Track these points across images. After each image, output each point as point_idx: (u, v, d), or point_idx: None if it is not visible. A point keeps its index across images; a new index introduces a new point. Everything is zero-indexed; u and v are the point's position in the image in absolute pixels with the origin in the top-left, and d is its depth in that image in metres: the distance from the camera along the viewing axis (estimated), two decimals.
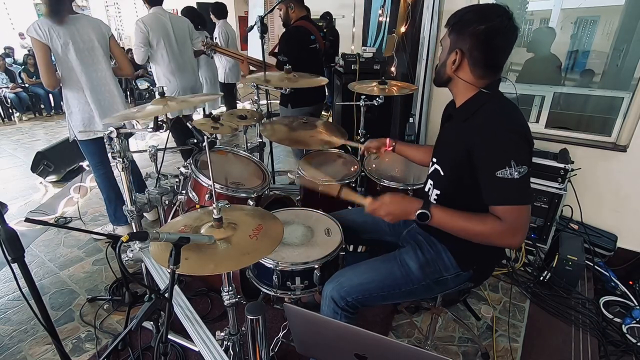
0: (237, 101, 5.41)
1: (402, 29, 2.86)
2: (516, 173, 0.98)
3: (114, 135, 1.39)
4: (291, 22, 2.74)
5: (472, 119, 1.10)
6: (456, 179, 1.15)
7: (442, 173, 1.20)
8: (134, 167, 2.58)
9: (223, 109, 5.15)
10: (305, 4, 2.87)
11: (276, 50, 2.80)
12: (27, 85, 6.53)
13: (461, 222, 1.07)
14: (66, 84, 2.18)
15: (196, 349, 1.29)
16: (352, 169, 2.02)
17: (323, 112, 5.05)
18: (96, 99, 2.24)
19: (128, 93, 7.49)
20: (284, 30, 2.80)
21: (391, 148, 1.62)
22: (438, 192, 1.23)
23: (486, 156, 1.03)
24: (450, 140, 1.19)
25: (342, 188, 1.33)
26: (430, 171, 1.30)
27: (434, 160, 1.27)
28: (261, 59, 2.63)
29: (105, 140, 1.42)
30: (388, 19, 3.64)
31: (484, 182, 1.05)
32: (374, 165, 2.04)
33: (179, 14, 3.85)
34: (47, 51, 2.05)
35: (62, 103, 2.30)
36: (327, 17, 5.63)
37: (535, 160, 2.21)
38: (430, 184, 1.28)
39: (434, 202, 1.23)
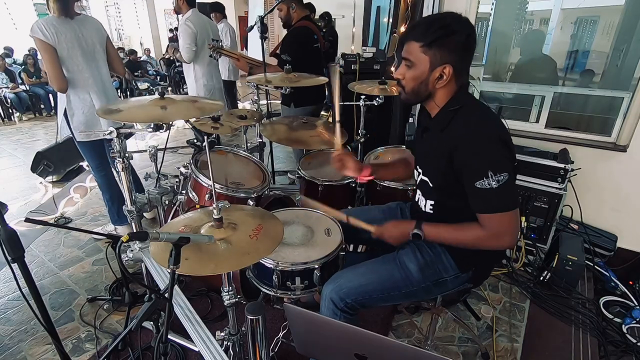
0: (237, 100, 5.40)
1: (402, 29, 2.86)
2: (494, 182, 1.01)
3: (114, 135, 1.39)
4: (292, 22, 2.73)
5: (448, 127, 1.11)
6: (445, 188, 1.17)
7: (430, 184, 1.21)
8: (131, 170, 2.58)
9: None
10: (307, 4, 2.86)
11: (278, 51, 2.79)
12: (27, 85, 6.53)
13: (448, 235, 1.16)
14: (71, 85, 2.12)
15: (196, 349, 1.29)
16: None
17: (323, 112, 5.05)
18: (101, 101, 2.22)
19: (128, 93, 7.50)
20: (284, 30, 2.79)
21: (368, 180, 1.48)
22: (432, 202, 1.24)
23: (464, 167, 1.06)
24: (432, 151, 1.19)
25: (349, 217, 1.36)
26: (417, 182, 1.30)
27: (420, 171, 1.27)
28: (261, 59, 2.62)
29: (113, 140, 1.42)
30: (391, 20, 3.64)
31: (467, 190, 1.08)
32: None
33: None
34: (54, 53, 1.98)
35: (57, 105, 2.25)
36: (325, 17, 5.63)
37: (535, 160, 2.22)
38: (419, 195, 1.29)
39: (430, 211, 1.25)
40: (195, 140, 1.93)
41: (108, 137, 1.40)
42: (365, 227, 1.30)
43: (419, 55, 1.08)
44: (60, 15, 2.01)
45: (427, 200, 1.25)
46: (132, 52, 8.18)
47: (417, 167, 1.30)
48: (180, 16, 3.05)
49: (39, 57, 7.62)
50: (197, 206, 1.67)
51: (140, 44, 10.46)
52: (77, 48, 2.07)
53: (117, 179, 2.38)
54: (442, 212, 1.22)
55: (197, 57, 3.07)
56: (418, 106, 2.72)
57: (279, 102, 2.97)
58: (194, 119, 1.82)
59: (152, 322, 1.67)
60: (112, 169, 2.42)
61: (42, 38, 1.94)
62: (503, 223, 1.05)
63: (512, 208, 1.05)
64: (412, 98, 1.17)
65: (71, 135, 2.29)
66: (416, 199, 1.32)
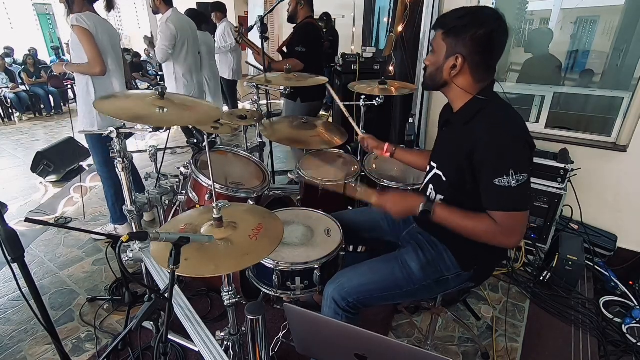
0: (237, 100, 5.40)
1: (400, 28, 2.86)
2: (514, 181, 1.00)
3: (114, 135, 1.38)
4: (297, 19, 2.80)
5: (472, 123, 1.11)
6: (458, 184, 1.16)
7: (444, 179, 1.20)
8: (133, 168, 2.58)
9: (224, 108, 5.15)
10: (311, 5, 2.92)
11: (284, 49, 2.85)
12: (27, 85, 6.52)
13: (460, 219, 1.11)
14: (101, 78, 2.21)
15: (196, 349, 1.29)
16: (352, 169, 2.02)
17: (323, 112, 5.06)
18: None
19: None
20: (284, 30, 2.85)
21: (389, 154, 1.58)
22: (441, 197, 1.23)
23: (486, 163, 1.05)
24: (451, 145, 1.19)
25: (347, 186, 1.34)
26: (429, 176, 1.30)
27: (434, 165, 1.27)
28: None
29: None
30: (390, 19, 3.65)
31: (483, 187, 1.07)
32: (374, 166, 2.04)
33: None
34: (94, 39, 2.09)
35: (76, 99, 2.29)
36: (324, 17, 5.64)
37: (535, 160, 2.21)
38: (431, 189, 1.28)
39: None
40: (194, 140, 1.93)
41: (111, 136, 1.39)
42: (364, 198, 1.28)
43: (439, 42, 1.12)
44: (88, 11, 2.11)
45: (437, 195, 1.25)
46: (137, 54, 8.25)
47: (432, 161, 1.29)
48: (159, 16, 3.03)
49: (39, 56, 7.63)
50: (197, 206, 1.67)
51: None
52: (108, 44, 2.20)
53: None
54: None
55: (177, 57, 3.08)
56: (424, 104, 2.76)
57: (279, 102, 2.99)
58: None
59: (152, 322, 1.67)
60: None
61: (85, 27, 2.05)
62: (515, 222, 1.05)
63: (526, 208, 1.05)
64: (429, 82, 1.20)
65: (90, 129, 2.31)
66: (427, 194, 1.31)
